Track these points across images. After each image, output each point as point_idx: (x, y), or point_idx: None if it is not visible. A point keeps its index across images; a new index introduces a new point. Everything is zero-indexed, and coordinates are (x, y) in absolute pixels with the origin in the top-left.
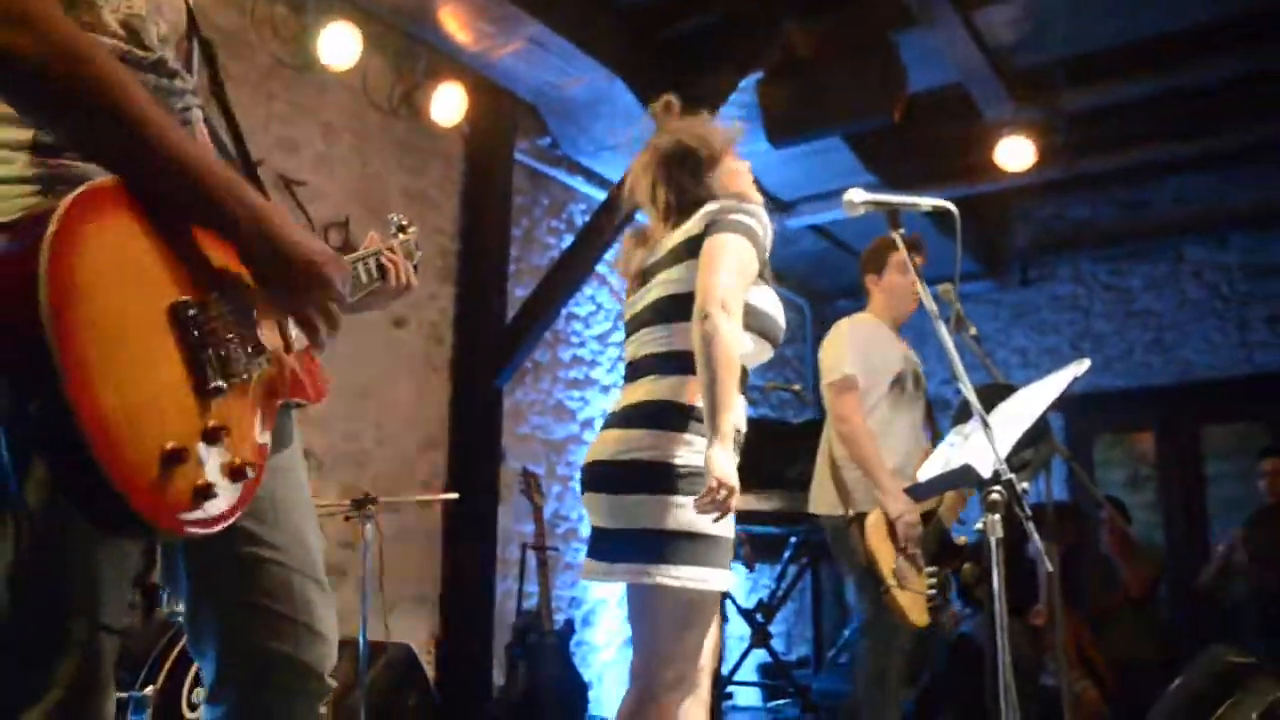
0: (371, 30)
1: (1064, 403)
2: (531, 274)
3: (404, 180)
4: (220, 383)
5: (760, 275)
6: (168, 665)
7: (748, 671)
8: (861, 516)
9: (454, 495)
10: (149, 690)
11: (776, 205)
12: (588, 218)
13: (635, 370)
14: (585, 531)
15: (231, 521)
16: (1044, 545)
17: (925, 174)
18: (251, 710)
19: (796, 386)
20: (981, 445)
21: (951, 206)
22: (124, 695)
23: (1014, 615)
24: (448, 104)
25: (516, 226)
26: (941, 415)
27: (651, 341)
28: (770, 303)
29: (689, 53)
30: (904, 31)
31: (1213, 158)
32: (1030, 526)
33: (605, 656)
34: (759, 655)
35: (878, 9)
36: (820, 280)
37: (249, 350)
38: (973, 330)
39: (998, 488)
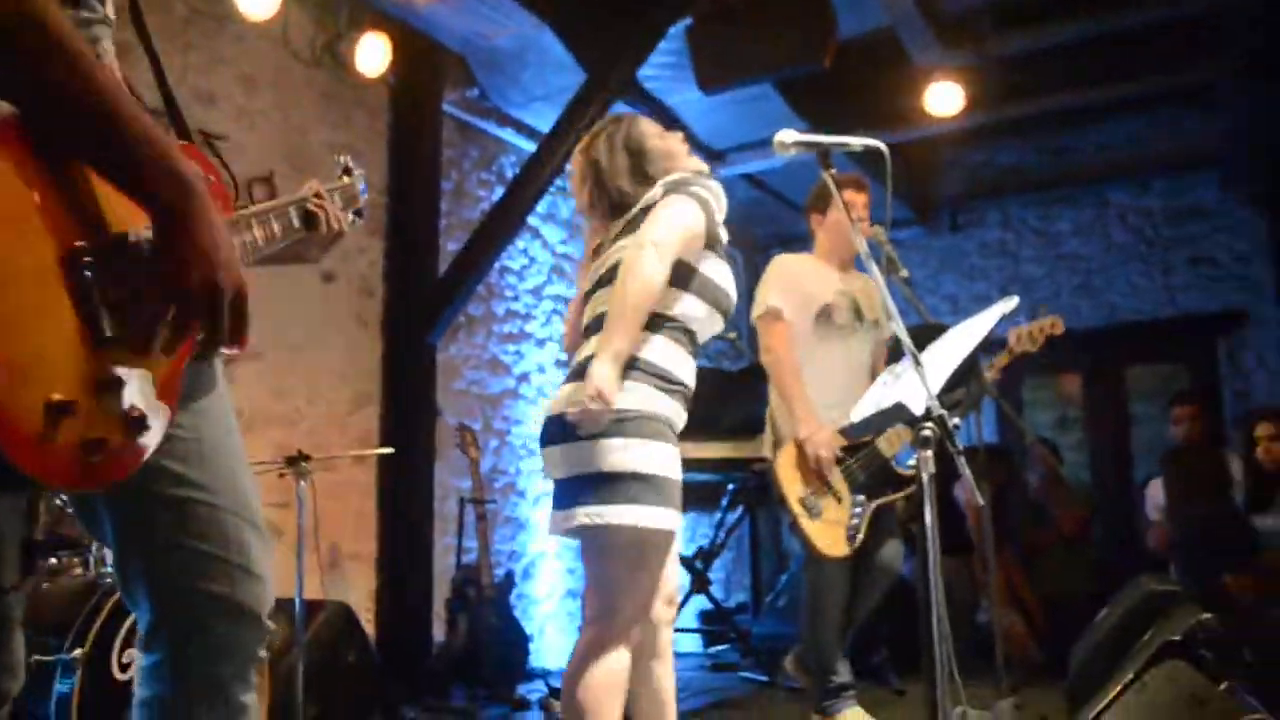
0: None
1: (992, 345)
2: (462, 227)
3: (328, 133)
4: (115, 333)
5: (712, 247)
6: (95, 628)
7: (688, 618)
8: None
9: (389, 450)
10: (77, 653)
11: (708, 154)
12: (518, 170)
13: (589, 330)
14: (523, 485)
15: (130, 472)
16: (975, 481)
17: (856, 120)
18: (189, 654)
19: (732, 335)
20: (914, 383)
21: (882, 146)
22: (50, 659)
23: (947, 554)
24: (372, 54)
25: (446, 179)
26: None
27: (604, 301)
28: (722, 275)
29: (619, 0)
30: None
31: (1133, 103)
32: (962, 462)
33: (546, 609)
34: (699, 601)
35: None
36: (754, 229)
37: (147, 309)
38: (904, 273)
39: (930, 424)
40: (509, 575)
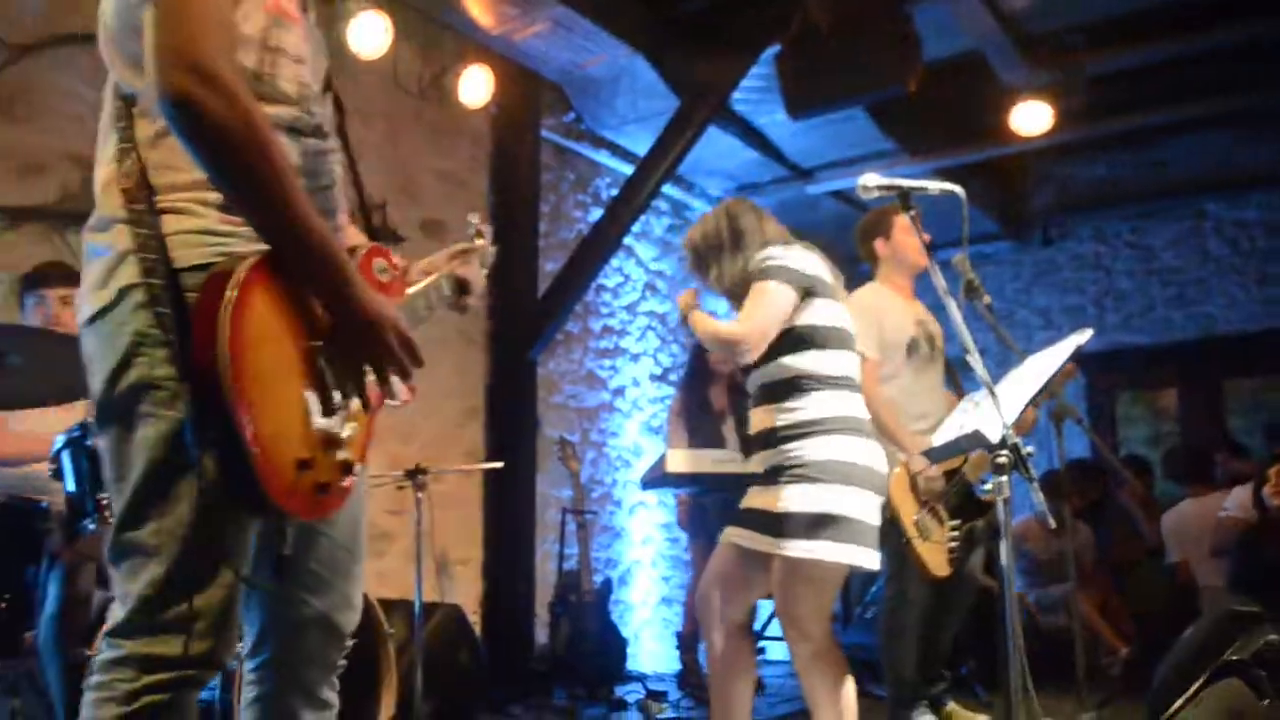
0: (399, 16)
1: (1085, 360)
2: (560, 248)
3: (435, 162)
4: (339, 405)
5: (810, 292)
6: None
7: (779, 628)
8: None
9: (499, 464)
10: None
11: (797, 173)
12: (614, 191)
13: (756, 442)
14: (619, 495)
15: (340, 508)
16: (1046, 505)
17: (944, 139)
18: (288, 659)
19: None
20: (990, 411)
21: (959, 190)
22: None
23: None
24: (475, 86)
25: (544, 202)
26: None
27: (765, 419)
28: (823, 315)
29: (708, 28)
30: (918, 1)
31: (1228, 118)
32: (1035, 488)
33: (642, 615)
34: None
35: None
36: (843, 244)
37: (357, 382)
38: (986, 299)
39: (1004, 452)
40: (607, 582)
